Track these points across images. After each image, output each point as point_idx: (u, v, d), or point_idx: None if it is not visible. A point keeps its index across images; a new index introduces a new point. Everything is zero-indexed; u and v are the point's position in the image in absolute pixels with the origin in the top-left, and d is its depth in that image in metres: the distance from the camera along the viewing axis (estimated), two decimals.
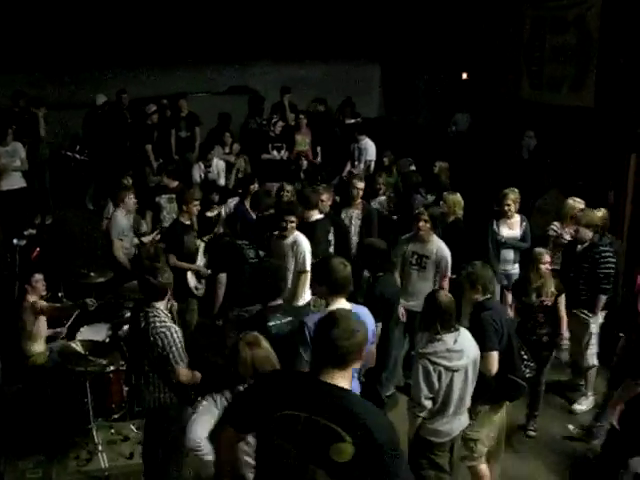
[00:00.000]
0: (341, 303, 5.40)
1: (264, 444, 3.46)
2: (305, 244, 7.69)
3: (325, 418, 3.24)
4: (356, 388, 5.51)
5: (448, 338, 5.34)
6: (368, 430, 3.22)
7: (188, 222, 8.83)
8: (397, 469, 3.29)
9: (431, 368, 5.27)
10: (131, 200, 9.38)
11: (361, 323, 3.60)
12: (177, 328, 5.63)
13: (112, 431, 7.22)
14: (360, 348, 3.46)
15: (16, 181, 12.00)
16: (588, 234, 7.81)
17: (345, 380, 3.42)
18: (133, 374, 5.92)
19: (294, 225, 7.78)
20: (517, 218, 8.87)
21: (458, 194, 9.14)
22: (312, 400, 3.32)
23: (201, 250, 8.52)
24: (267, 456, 3.44)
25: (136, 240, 9.54)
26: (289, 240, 7.71)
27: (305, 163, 12.52)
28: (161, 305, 5.70)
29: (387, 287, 7.04)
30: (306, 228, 8.18)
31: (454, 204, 8.96)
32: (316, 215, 8.48)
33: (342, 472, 3.21)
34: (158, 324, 5.53)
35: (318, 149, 13.64)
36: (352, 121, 14.06)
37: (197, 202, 8.86)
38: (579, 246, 7.94)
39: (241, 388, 4.28)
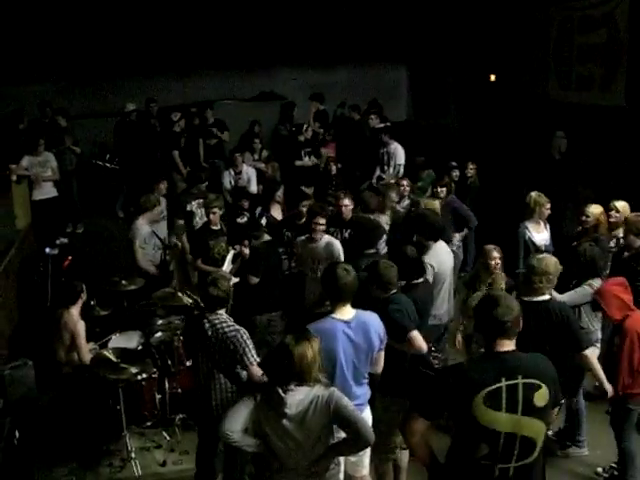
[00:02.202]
0: (345, 309, 5.32)
1: (467, 425, 3.99)
2: (337, 244, 7.66)
3: (521, 377, 3.95)
4: (366, 394, 5.48)
5: None
6: (552, 372, 4.11)
7: (216, 227, 8.88)
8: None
9: None
10: (157, 209, 9.46)
11: (514, 299, 4.25)
12: (245, 330, 5.76)
13: (145, 438, 7.26)
14: (518, 320, 4.09)
15: (48, 190, 12.14)
16: (636, 242, 7.50)
17: (513, 345, 4.08)
18: (198, 384, 6.00)
19: (323, 228, 7.75)
20: (542, 222, 8.67)
21: (437, 201, 9.16)
22: (502, 369, 3.97)
23: (229, 257, 8.52)
24: (473, 434, 3.99)
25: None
26: (322, 243, 7.69)
27: (334, 168, 12.50)
28: (223, 311, 5.87)
29: (417, 294, 6.71)
30: None
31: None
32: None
33: (543, 413, 4.01)
34: (227, 329, 5.71)
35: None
36: (381, 125, 14.00)
37: (215, 208, 8.91)
38: (625, 253, 7.59)
39: (277, 387, 4.28)
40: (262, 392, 4.40)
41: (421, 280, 6.80)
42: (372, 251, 7.64)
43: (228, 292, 5.91)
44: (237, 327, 5.75)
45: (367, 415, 5.51)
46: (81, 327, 7.25)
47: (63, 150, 12.86)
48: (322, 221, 7.85)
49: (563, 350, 5.78)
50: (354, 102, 15.15)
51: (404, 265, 6.76)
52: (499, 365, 4.00)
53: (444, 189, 9.95)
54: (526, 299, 5.91)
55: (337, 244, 7.80)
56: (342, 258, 7.62)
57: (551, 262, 6.07)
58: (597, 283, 6.71)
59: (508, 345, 4.06)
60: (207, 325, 5.74)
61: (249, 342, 5.66)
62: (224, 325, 5.72)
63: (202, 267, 8.56)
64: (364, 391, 5.44)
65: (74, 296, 7.38)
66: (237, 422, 4.35)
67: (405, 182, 10.34)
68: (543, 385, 3.98)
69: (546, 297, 6.00)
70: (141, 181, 12.49)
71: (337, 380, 5.16)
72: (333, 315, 5.28)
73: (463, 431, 4.07)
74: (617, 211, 8.19)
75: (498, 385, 3.92)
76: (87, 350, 7.26)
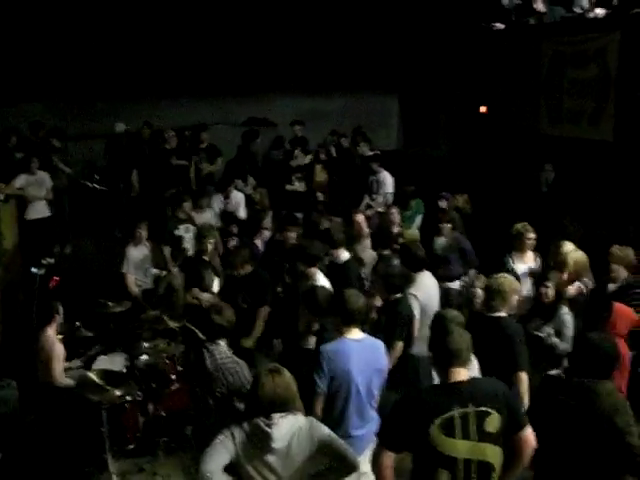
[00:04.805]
0: (354, 333, 5.43)
1: (425, 453, 4.14)
2: (323, 283, 7.43)
3: (472, 405, 4.10)
4: (377, 419, 5.51)
5: None
6: (504, 398, 4.21)
7: (207, 257, 8.85)
8: (522, 412, 4.42)
9: None
10: (140, 234, 9.47)
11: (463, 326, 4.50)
12: (244, 363, 5.66)
13: (127, 461, 7.17)
14: (469, 346, 4.30)
15: (42, 210, 12.15)
16: (623, 273, 7.58)
17: (465, 372, 4.25)
18: (196, 416, 6.04)
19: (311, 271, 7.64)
20: (530, 253, 8.70)
21: (417, 232, 9.22)
22: (455, 398, 4.13)
23: (215, 284, 8.53)
24: (432, 462, 4.12)
25: (156, 271, 9.58)
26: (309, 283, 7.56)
27: (321, 195, 12.55)
28: (223, 342, 5.73)
29: (409, 308, 7.06)
30: (337, 270, 8.00)
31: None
32: (344, 254, 8.27)
33: (497, 438, 4.15)
34: (226, 360, 5.59)
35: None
36: (371, 154, 14.07)
37: (212, 239, 8.88)
38: (611, 285, 7.64)
39: (260, 422, 4.23)
40: (241, 429, 4.29)
41: (399, 295, 7.01)
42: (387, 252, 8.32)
43: (232, 322, 5.79)
44: (236, 359, 5.65)
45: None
46: (58, 349, 7.19)
47: (54, 170, 12.84)
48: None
49: (508, 367, 6.04)
50: (345, 130, 15.23)
51: (386, 280, 6.95)
52: (452, 394, 4.17)
53: (448, 225, 9.63)
54: (484, 314, 6.31)
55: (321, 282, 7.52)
56: None
57: (505, 282, 6.42)
58: (565, 310, 7.13)
59: (461, 373, 4.23)
60: (206, 355, 5.64)
61: (248, 374, 5.53)
62: (223, 356, 5.61)
63: (201, 297, 8.51)
64: (376, 416, 5.51)
65: (49, 316, 7.34)
66: (217, 463, 4.22)
67: (394, 210, 10.32)
68: (493, 412, 4.13)
69: (500, 314, 6.32)
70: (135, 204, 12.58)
71: (352, 402, 5.28)
72: (345, 336, 5.38)
73: (422, 459, 4.20)
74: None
75: (451, 413, 4.09)
76: (61, 373, 7.19)
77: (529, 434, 4.30)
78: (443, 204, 11.01)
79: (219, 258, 9.87)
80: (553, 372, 5.01)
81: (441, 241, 9.31)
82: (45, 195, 12.16)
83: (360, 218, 9.62)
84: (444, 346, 4.24)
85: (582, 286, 7.88)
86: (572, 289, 7.80)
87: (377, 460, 4.25)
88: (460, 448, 4.09)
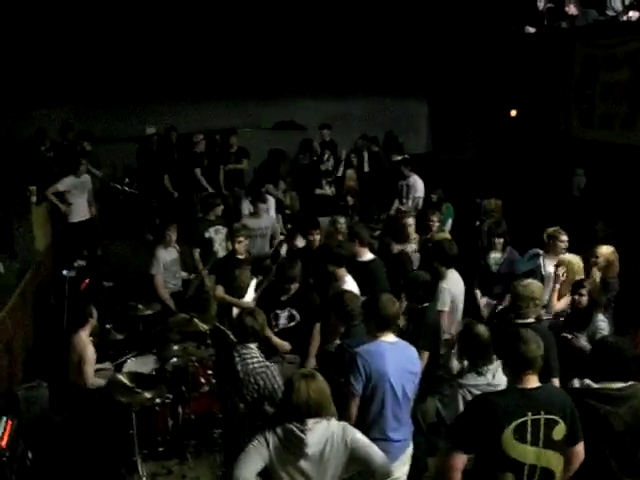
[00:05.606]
0: (389, 338, 5.43)
1: (493, 456, 4.22)
2: (351, 285, 7.44)
3: (544, 413, 4.21)
4: (412, 427, 5.54)
5: (489, 373, 5.64)
6: (569, 407, 4.30)
7: (241, 256, 8.82)
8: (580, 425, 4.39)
9: (470, 399, 5.46)
10: (170, 236, 9.46)
11: (537, 335, 4.45)
12: (275, 366, 5.63)
13: (156, 464, 7.18)
14: (543, 353, 4.36)
15: (84, 213, 12.13)
16: None
17: (537, 379, 4.35)
18: (225, 419, 6.08)
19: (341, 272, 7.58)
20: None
21: (447, 234, 9.17)
22: (528, 404, 4.22)
23: (252, 285, 8.47)
24: (499, 465, 4.22)
25: (184, 274, 9.58)
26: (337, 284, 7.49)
27: (351, 199, 12.52)
28: (254, 345, 5.71)
29: (436, 318, 7.06)
30: (362, 269, 7.95)
31: None
32: (368, 254, 8.24)
33: (561, 446, 4.28)
34: (257, 364, 5.55)
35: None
36: (399, 158, 14.03)
37: (241, 237, 8.81)
38: None
39: (294, 427, 4.20)
40: (275, 434, 4.26)
41: (427, 304, 6.97)
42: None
43: (264, 326, 5.79)
44: (267, 363, 5.61)
45: (410, 452, 5.53)
46: (89, 352, 7.23)
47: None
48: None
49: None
50: (374, 133, 15.22)
51: (415, 288, 6.87)
52: (525, 399, 4.25)
53: (502, 240, 9.22)
54: (514, 322, 6.25)
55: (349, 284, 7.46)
56: None
57: (536, 287, 6.42)
58: (600, 317, 7.07)
59: (533, 380, 4.32)
60: (237, 359, 5.60)
61: (279, 379, 5.49)
62: (254, 360, 5.57)
63: (222, 296, 8.49)
64: (410, 423, 5.52)
65: (83, 319, 7.39)
66: (250, 470, 4.19)
67: (435, 217, 10.03)
68: (561, 421, 4.23)
69: (531, 320, 6.29)
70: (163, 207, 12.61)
71: (388, 403, 5.25)
72: (380, 338, 5.39)
73: (488, 461, 4.27)
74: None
75: (524, 419, 4.18)
76: (92, 375, 7.23)
77: (582, 449, 4.40)
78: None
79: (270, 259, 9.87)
80: (576, 384, 4.85)
81: (495, 256, 9.18)
82: (87, 197, 12.13)
83: (410, 221, 9.58)
84: (520, 353, 4.31)
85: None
86: (560, 304, 7.82)
87: (450, 464, 4.29)
88: (529, 453, 4.19)
